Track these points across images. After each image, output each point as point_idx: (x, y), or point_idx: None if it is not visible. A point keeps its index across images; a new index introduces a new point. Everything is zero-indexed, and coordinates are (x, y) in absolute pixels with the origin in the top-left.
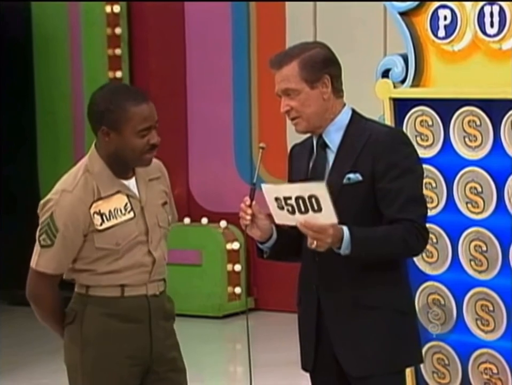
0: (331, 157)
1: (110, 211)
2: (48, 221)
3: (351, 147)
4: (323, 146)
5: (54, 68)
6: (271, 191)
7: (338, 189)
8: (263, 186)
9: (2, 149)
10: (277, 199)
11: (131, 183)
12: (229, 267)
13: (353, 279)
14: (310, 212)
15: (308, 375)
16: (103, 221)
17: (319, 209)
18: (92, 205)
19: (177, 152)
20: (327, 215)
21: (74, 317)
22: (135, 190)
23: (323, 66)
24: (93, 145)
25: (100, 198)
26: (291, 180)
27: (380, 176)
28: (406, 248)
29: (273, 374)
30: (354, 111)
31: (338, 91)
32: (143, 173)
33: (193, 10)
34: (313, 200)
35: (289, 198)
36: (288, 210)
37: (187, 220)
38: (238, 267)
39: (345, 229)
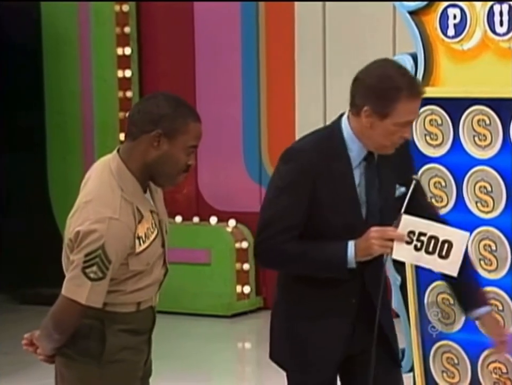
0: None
1: (145, 232)
2: (99, 252)
3: (386, 159)
4: (371, 161)
5: (63, 67)
6: (410, 223)
7: (390, 203)
8: (404, 217)
9: (12, 149)
10: (410, 232)
11: (148, 196)
12: (238, 266)
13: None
14: (436, 255)
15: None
16: (140, 244)
17: (447, 256)
18: (136, 229)
19: None
20: (450, 265)
21: (87, 333)
22: (152, 203)
23: None
24: (116, 156)
25: (140, 221)
26: (317, 197)
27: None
28: None
29: (282, 374)
30: None
31: None
32: (151, 183)
33: (202, 10)
34: (445, 245)
35: (424, 234)
36: (415, 246)
37: (196, 219)
38: (246, 266)
39: None
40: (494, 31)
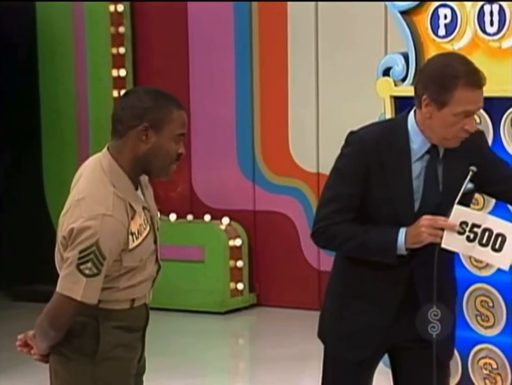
0: (439, 168)
1: (137, 229)
2: (93, 249)
3: (452, 154)
4: (434, 155)
5: (58, 67)
6: (462, 214)
7: (453, 199)
8: (456, 207)
9: (7, 147)
10: (463, 223)
11: (139, 192)
12: (231, 263)
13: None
14: (490, 248)
15: (308, 372)
16: (133, 240)
17: (500, 249)
18: (129, 225)
19: None
20: (503, 258)
21: (82, 331)
22: (144, 200)
23: None
24: (106, 154)
25: (133, 217)
26: (371, 185)
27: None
28: None
29: (275, 369)
30: None
31: None
32: (142, 180)
33: (196, 10)
34: (499, 238)
35: (478, 226)
36: (468, 236)
37: (190, 217)
38: (240, 263)
39: None
40: (484, 31)
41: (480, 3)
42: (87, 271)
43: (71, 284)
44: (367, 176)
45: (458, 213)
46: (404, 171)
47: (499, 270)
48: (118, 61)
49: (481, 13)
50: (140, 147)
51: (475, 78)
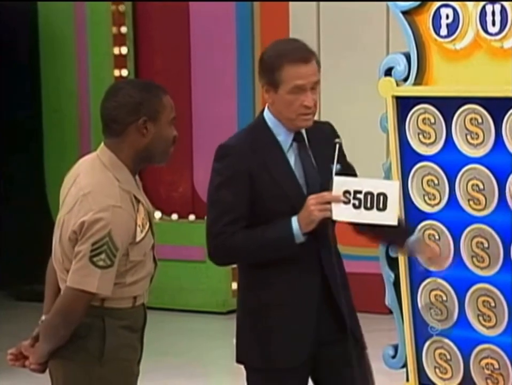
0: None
1: (142, 221)
2: (106, 240)
3: (316, 139)
4: (301, 140)
5: (60, 67)
6: (342, 183)
7: (330, 179)
8: (336, 178)
9: (9, 147)
10: (346, 192)
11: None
12: None
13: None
14: (375, 209)
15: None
16: (140, 232)
17: (384, 208)
18: (136, 217)
19: (182, 149)
20: (389, 215)
21: (87, 331)
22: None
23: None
24: (105, 150)
25: (138, 209)
26: (263, 181)
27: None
28: None
29: None
30: None
31: None
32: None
33: (197, 10)
34: (381, 198)
35: (360, 192)
36: (354, 204)
37: (192, 217)
38: None
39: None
40: (486, 31)
41: (482, 3)
42: (101, 263)
43: (84, 277)
44: (252, 181)
45: (338, 183)
46: (282, 163)
47: (501, 270)
48: (120, 61)
49: (483, 12)
50: (141, 140)
51: (299, 54)
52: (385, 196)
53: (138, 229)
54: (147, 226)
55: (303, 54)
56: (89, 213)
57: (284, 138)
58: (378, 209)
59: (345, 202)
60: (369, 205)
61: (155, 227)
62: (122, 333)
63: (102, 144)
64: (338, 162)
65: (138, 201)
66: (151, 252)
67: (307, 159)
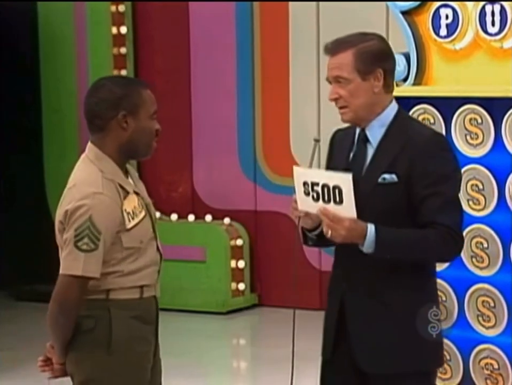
0: (370, 152)
1: (132, 210)
2: (87, 224)
3: (391, 146)
4: (364, 140)
5: (60, 67)
6: (302, 174)
7: (371, 187)
8: (295, 168)
9: (9, 147)
10: (305, 183)
11: (130, 180)
12: (233, 263)
13: (377, 280)
14: (332, 202)
15: (309, 372)
16: (129, 219)
17: (340, 202)
18: (122, 204)
19: (182, 150)
20: (347, 209)
21: (94, 324)
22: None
23: (378, 59)
24: (91, 146)
25: (125, 197)
26: (330, 167)
27: (416, 181)
28: (436, 254)
29: (276, 369)
30: (399, 109)
31: (388, 86)
32: (132, 172)
33: (197, 10)
34: (336, 191)
35: (317, 184)
36: (313, 196)
37: (191, 217)
38: (241, 263)
39: (370, 227)
40: (485, 31)
41: (482, 3)
42: (85, 247)
43: (71, 262)
44: None
45: (297, 174)
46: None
47: (501, 270)
48: (119, 62)
49: (482, 13)
50: (123, 134)
51: (327, 46)
52: (340, 189)
53: (126, 216)
54: (141, 216)
55: (329, 45)
56: (72, 202)
57: (357, 134)
58: (336, 202)
59: (306, 194)
60: (326, 198)
61: (155, 218)
62: (132, 324)
63: (89, 142)
64: (415, 186)
65: (125, 190)
66: (152, 241)
67: (358, 158)
